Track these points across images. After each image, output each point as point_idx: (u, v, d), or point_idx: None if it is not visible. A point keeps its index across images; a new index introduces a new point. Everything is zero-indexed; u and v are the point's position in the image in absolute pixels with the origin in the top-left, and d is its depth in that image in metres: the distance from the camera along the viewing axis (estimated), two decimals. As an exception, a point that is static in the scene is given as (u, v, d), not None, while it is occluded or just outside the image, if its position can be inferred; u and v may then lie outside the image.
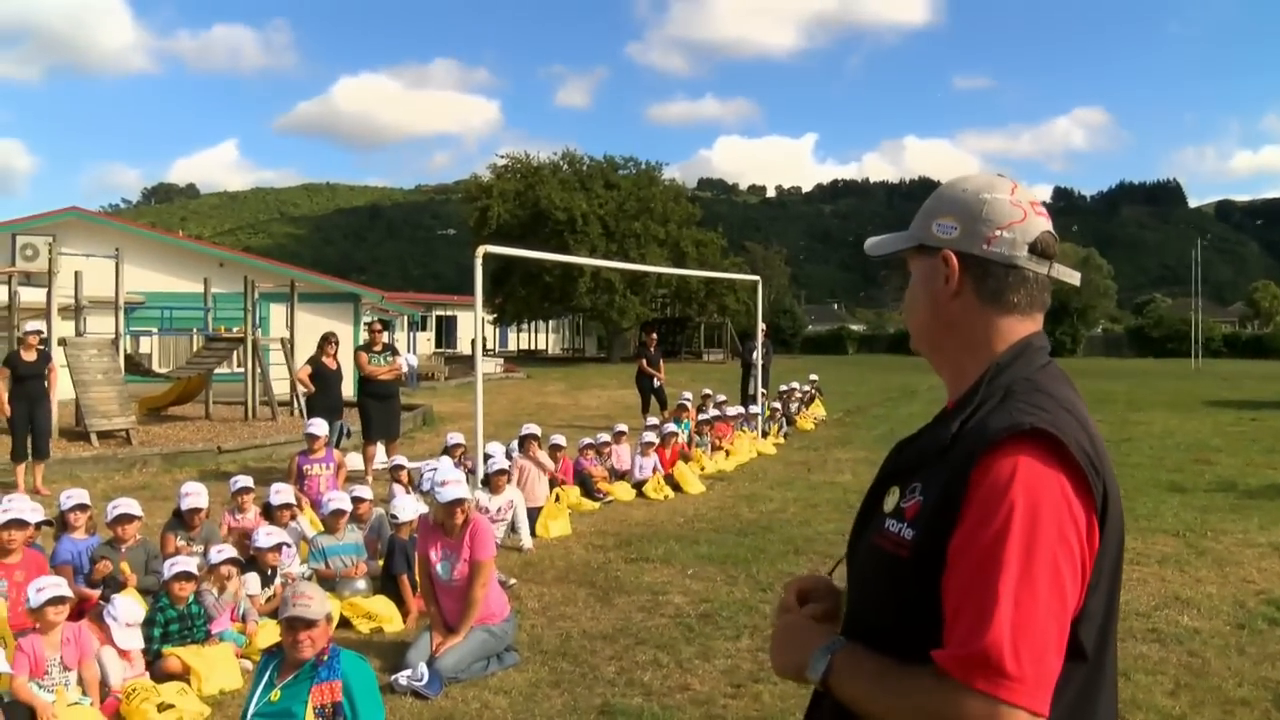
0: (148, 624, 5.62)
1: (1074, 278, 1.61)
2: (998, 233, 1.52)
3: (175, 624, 5.65)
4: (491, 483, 8.79)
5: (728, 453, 14.11)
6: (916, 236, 1.59)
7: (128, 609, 5.52)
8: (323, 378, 12.30)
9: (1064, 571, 1.31)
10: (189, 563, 5.89)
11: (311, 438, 9.87)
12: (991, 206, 1.52)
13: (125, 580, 6.32)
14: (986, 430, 1.38)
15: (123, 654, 5.32)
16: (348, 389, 12.88)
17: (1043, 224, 1.55)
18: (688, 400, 15.68)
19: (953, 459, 1.40)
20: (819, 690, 1.53)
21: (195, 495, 7.25)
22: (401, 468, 10.00)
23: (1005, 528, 1.30)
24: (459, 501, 5.96)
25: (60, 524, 6.87)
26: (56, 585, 5.06)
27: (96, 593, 6.18)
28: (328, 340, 12.52)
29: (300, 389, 14.15)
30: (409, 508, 7.26)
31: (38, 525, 6.39)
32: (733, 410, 15.83)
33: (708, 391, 16.66)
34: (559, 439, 11.20)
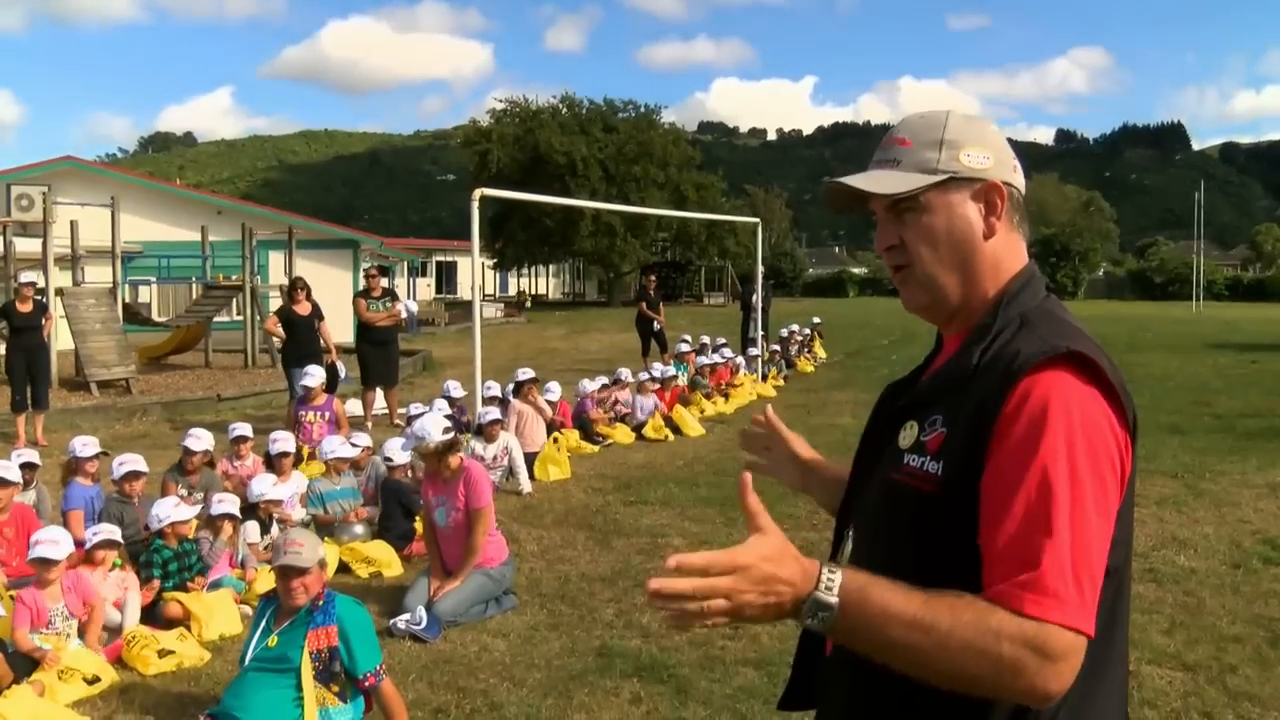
0: (146, 565, 5.64)
1: None
2: (1014, 161, 1.53)
3: (174, 562, 5.68)
4: (485, 431, 8.77)
5: (727, 395, 14.10)
6: (943, 169, 1.46)
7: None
8: (293, 325, 11.69)
9: (1109, 492, 1.31)
10: (184, 512, 5.89)
11: (306, 389, 9.81)
12: (1001, 136, 1.52)
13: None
14: (1018, 355, 1.35)
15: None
16: (344, 334, 12.69)
17: None
18: (687, 342, 15.65)
19: (980, 387, 1.37)
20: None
21: (200, 438, 7.27)
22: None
23: (1055, 451, 1.28)
24: (421, 444, 5.92)
25: (69, 470, 6.87)
26: (52, 544, 4.96)
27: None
28: (296, 285, 12.02)
29: (275, 340, 13.26)
30: (402, 452, 7.26)
31: (25, 481, 6.41)
32: (730, 353, 15.83)
33: (705, 340, 16.63)
34: (553, 390, 10.99)
